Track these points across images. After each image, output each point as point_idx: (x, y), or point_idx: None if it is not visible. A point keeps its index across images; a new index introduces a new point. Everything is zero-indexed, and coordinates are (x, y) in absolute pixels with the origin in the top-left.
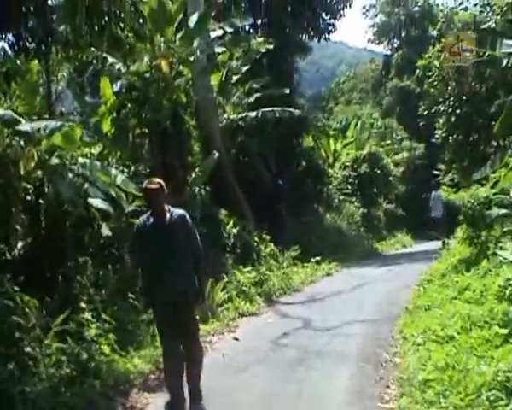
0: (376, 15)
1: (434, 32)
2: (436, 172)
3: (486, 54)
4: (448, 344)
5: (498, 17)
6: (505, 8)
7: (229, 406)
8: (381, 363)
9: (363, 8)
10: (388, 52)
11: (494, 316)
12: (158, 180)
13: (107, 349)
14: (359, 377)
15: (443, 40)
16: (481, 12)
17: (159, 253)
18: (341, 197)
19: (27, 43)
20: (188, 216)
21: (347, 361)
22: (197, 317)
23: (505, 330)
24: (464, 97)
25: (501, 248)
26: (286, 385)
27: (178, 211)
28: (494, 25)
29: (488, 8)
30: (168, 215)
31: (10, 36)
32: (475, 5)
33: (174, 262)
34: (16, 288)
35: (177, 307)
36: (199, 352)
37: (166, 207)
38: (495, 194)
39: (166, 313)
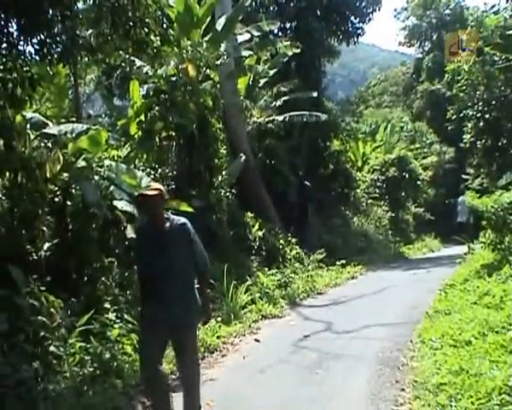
0: (408, 18)
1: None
2: (465, 177)
3: None
4: (464, 349)
5: None
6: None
7: (247, 406)
8: (398, 366)
9: (395, 10)
10: (419, 55)
11: (511, 322)
12: (157, 186)
13: (129, 349)
14: (376, 379)
15: (473, 44)
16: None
17: (157, 265)
18: (369, 201)
19: (51, 49)
20: (189, 225)
21: (365, 364)
22: (198, 338)
23: None
24: (493, 102)
25: None
26: (303, 387)
27: (179, 219)
28: None
29: None
30: (168, 224)
31: (35, 40)
32: (505, 9)
33: (173, 277)
34: (42, 288)
35: (175, 330)
36: (193, 374)
37: (166, 215)
38: None
39: (158, 333)
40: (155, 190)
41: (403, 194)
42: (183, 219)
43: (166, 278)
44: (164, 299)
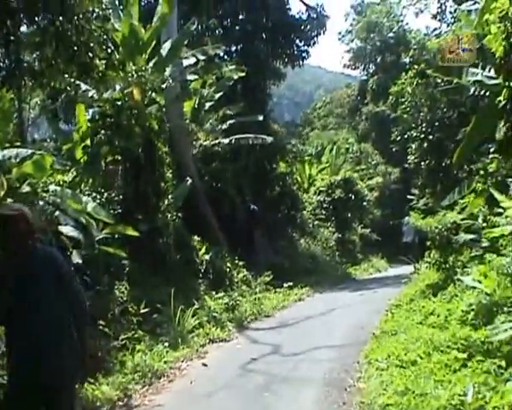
0: (352, 41)
1: (407, 59)
2: (410, 197)
3: (455, 81)
4: (409, 369)
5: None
6: (471, 38)
7: None
8: (345, 388)
9: (339, 33)
10: (364, 77)
11: (456, 341)
12: (18, 206)
13: None
14: (323, 401)
15: (416, 66)
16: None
17: (17, 307)
18: (316, 222)
19: None
20: (60, 256)
21: (313, 386)
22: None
23: (464, 355)
24: (436, 123)
25: (467, 274)
26: None
27: (46, 249)
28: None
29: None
30: (31, 254)
31: None
32: (446, 32)
33: (37, 322)
34: None
35: (44, 391)
36: None
37: (31, 243)
38: (463, 219)
39: (26, 401)
40: (16, 210)
41: (349, 215)
42: (51, 250)
43: (29, 323)
44: (27, 350)
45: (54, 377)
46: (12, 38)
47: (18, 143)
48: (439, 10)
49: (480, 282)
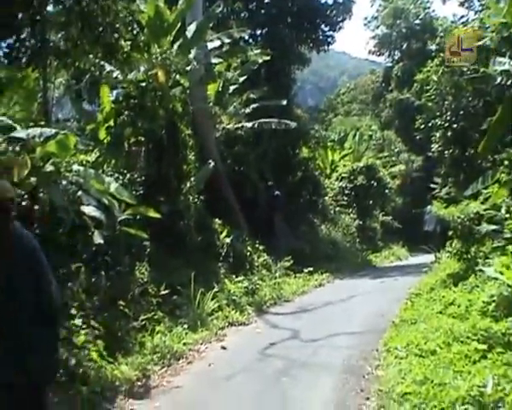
0: (378, 27)
1: (433, 47)
2: (432, 186)
3: (481, 70)
4: (429, 358)
5: (494, 34)
6: (499, 27)
7: None
8: (363, 375)
9: (365, 19)
10: (389, 64)
11: (476, 332)
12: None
13: (95, 355)
14: (341, 388)
15: (441, 54)
16: (480, 27)
17: (7, 306)
18: (337, 208)
19: (20, 53)
20: (39, 249)
21: (331, 372)
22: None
23: (484, 346)
24: (461, 112)
25: (489, 265)
26: (268, 394)
27: (27, 239)
28: (490, 42)
29: (486, 24)
30: (12, 246)
31: (3, 44)
32: (473, 20)
33: (14, 320)
34: None
35: (14, 394)
36: None
37: (12, 231)
38: (486, 210)
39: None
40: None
41: (371, 202)
42: (32, 242)
43: (3, 322)
44: (17, 350)
45: (41, 374)
46: (38, 17)
47: (42, 123)
48: None
49: (501, 273)
